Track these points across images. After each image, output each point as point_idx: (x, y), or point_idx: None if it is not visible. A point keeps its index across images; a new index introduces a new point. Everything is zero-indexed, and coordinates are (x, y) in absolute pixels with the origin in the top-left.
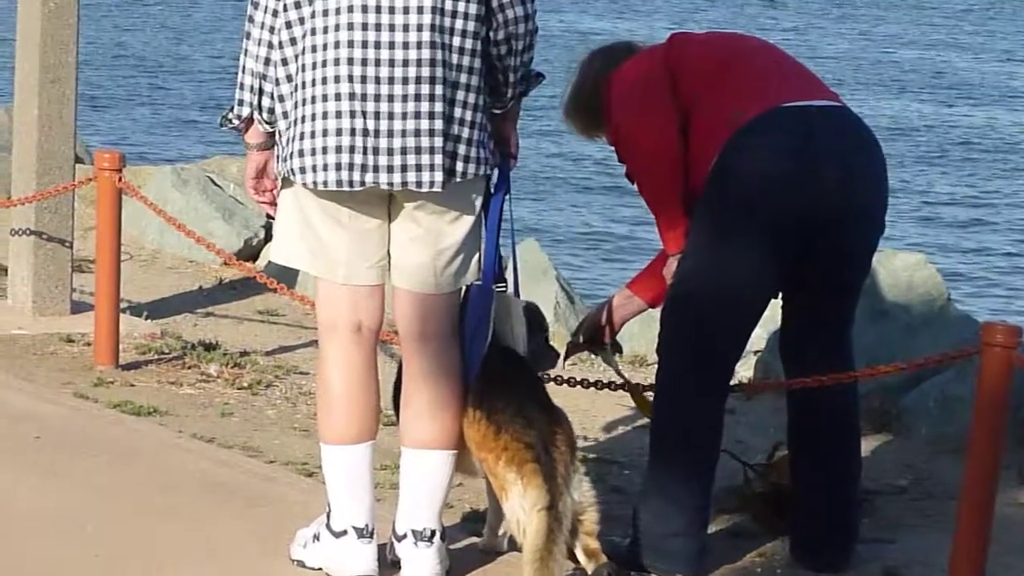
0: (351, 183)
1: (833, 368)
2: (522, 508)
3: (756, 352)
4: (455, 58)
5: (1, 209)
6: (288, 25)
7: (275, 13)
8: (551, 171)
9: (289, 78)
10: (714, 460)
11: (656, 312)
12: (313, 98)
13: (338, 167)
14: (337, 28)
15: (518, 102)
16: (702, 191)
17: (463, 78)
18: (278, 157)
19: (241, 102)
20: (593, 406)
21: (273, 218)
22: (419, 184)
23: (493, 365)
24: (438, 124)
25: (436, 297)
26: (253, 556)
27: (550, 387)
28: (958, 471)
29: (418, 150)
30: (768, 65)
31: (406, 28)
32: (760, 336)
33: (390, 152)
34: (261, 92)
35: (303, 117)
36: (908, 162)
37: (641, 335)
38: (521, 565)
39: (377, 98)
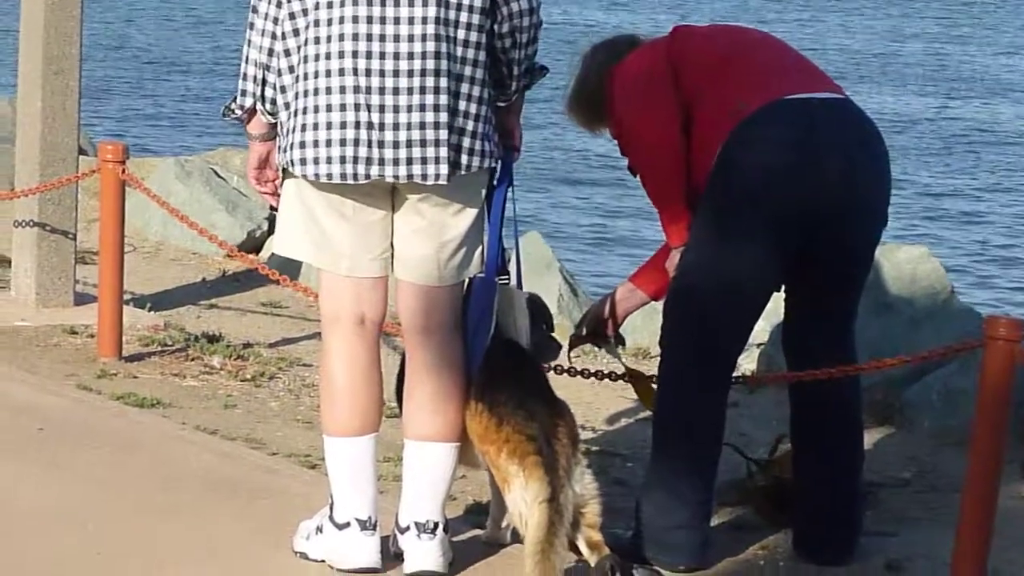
0: (356, 176)
1: (836, 361)
2: (524, 500)
3: (759, 345)
4: (459, 51)
5: (4, 201)
6: (291, 16)
7: (279, 3)
8: (554, 164)
9: (291, 69)
10: (717, 453)
11: (659, 305)
12: (316, 90)
13: (343, 160)
14: (341, 20)
15: (522, 95)
16: (705, 184)
17: (467, 71)
18: (279, 148)
19: (244, 92)
20: (596, 398)
21: (276, 209)
22: (424, 177)
23: (496, 357)
24: (443, 117)
25: (439, 289)
26: (256, 549)
27: (553, 378)
28: (961, 464)
29: (423, 143)
30: (771, 58)
31: (411, 21)
32: (763, 329)
33: (395, 145)
34: (264, 82)
35: (305, 108)
36: (911, 155)
37: (644, 328)
38: (523, 557)
39: (381, 91)
